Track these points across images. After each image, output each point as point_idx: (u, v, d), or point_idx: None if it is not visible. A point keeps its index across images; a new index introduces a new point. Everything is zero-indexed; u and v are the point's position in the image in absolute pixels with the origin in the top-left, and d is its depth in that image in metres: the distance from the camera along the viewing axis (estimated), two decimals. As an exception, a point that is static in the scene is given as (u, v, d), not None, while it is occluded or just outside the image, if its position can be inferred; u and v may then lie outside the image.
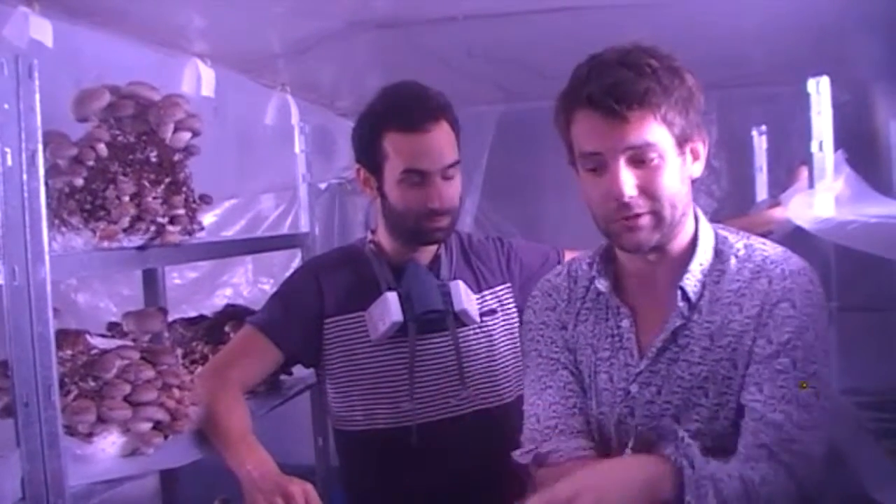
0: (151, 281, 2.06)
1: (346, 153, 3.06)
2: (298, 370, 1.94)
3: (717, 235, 1.32)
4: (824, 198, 1.79)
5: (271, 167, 2.93)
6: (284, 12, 1.91)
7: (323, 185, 3.56)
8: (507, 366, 1.78)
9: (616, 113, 1.17)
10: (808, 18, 2.06)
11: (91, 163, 1.45)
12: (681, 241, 1.30)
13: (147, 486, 1.99)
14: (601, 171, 1.23)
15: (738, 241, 1.31)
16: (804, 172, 1.98)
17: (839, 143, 1.85)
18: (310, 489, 1.42)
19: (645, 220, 1.23)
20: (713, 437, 1.24)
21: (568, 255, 1.79)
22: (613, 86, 1.17)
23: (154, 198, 1.50)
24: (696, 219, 1.32)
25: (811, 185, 1.87)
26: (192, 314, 2.13)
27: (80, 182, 1.44)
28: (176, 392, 1.49)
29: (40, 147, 1.18)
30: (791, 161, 2.62)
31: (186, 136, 1.60)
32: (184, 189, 1.58)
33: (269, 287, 3.43)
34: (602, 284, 1.35)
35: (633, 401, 1.29)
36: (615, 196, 1.21)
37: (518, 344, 1.74)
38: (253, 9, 1.87)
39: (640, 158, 1.20)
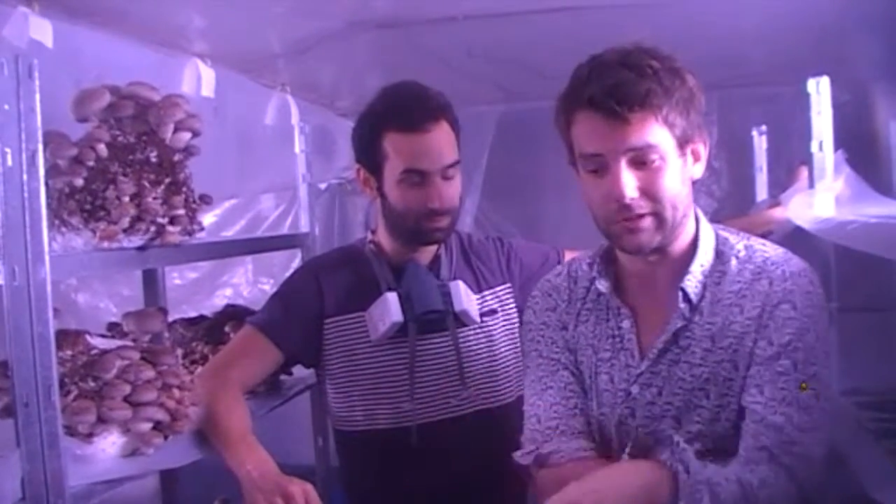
0: (151, 281, 2.06)
1: (346, 153, 3.06)
2: (298, 370, 1.94)
3: (717, 236, 1.32)
4: (824, 198, 1.79)
5: (271, 167, 2.93)
6: (284, 12, 1.91)
7: (323, 185, 3.56)
8: (507, 366, 1.78)
9: (617, 114, 1.17)
10: (808, 18, 2.06)
11: (91, 163, 1.45)
12: (682, 242, 1.30)
13: (147, 486, 1.99)
14: (602, 173, 1.22)
15: (739, 243, 1.31)
16: (804, 172, 1.98)
17: (839, 143, 1.85)
18: (310, 489, 1.42)
19: (646, 222, 1.22)
20: (714, 439, 1.24)
21: (568, 255, 1.79)
22: (615, 87, 1.17)
23: (154, 198, 1.50)
24: (697, 220, 1.32)
25: (811, 185, 1.86)
26: (192, 314, 2.13)
27: (80, 182, 1.44)
28: (176, 392, 1.49)
29: (40, 147, 1.18)
30: (791, 161, 2.61)
31: (186, 136, 1.60)
32: (184, 189, 1.58)
33: (269, 287, 3.43)
34: (603, 285, 1.35)
35: (634, 402, 1.29)
36: (616, 197, 1.21)
37: (518, 344, 1.74)
38: (253, 9, 1.87)
39: (641, 160, 1.20)
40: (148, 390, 1.43)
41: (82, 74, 1.64)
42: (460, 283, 1.75)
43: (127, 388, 1.41)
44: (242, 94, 2.47)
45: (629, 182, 1.20)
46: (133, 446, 1.42)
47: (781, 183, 2.55)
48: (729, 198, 3.43)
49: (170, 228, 1.53)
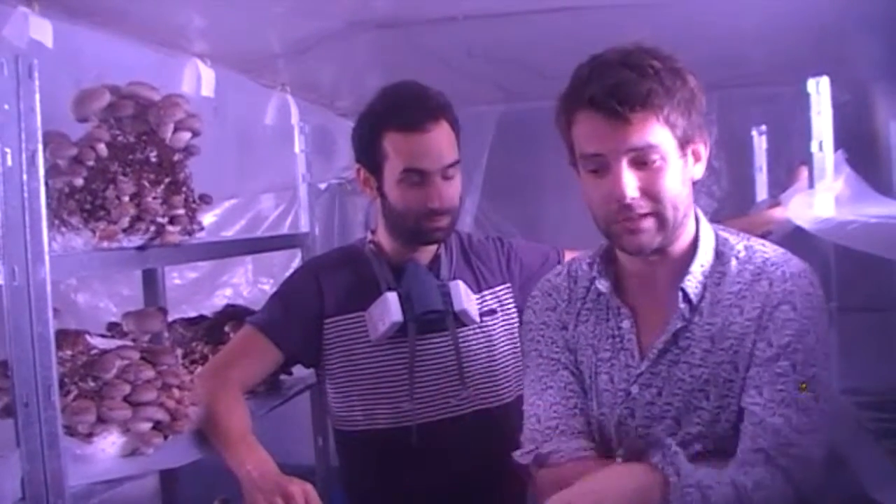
0: (151, 281, 2.06)
1: (346, 153, 3.06)
2: (298, 370, 1.94)
3: (717, 237, 1.32)
4: (824, 198, 1.79)
5: (271, 167, 2.92)
6: (284, 12, 1.91)
7: (323, 185, 3.56)
8: (507, 366, 1.78)
9: (618, 114, 1.17)
10: (808, 18, 2.06)
11: (91, 163, 1.45)
12: (682, 242, 1.29)
13: (147, 486, 1.99)
14: (603, 173, 1.22)
15: (739, 243, 1.31)
16: (804, 172, 1.98)
17: (839, 143, 1.85)
18: (310, 489, 1.42)
19: (647, 223, 1.22)
20: (715, 441, 1.24)
21: (568, 255, 1.79)
22: (615, 87, 1.17)
23: (154, 198, 1.50)
24: (697, 220, 1.32)
25: (811, 185, 1.86)
26: (192, 314, 2.13)
27: (80, 182, 1.44)
28: (176, 392, 1.49)
29: (40, 147, 1.18)
30: (791, 161, 2.61)
31: (186, 136, 1.60)
32: (184, 189, 1.58)
33: (269, 287, 3.43)
34: (603, 285, 1.35)
35: (634, 402, 1.29)
36: (617, 198, 1.20)
37: (518, 344, 1.74)
38: (253, 9, 1.87)
39: (642, 160, 1.20)
40: (148, 390, 1.43)
41: (82, 74, 1.64)
42: (460, 282, 1.75)
43: (127, 388, 1.41)
44: (242, 94, 2.47)
45: (630, 182, 1.20)
46: (133, 446, 1.42)
47: (781, 183, 2.55)
48: (729, 198, 3.43)
49: (170, 228, 1.53)
